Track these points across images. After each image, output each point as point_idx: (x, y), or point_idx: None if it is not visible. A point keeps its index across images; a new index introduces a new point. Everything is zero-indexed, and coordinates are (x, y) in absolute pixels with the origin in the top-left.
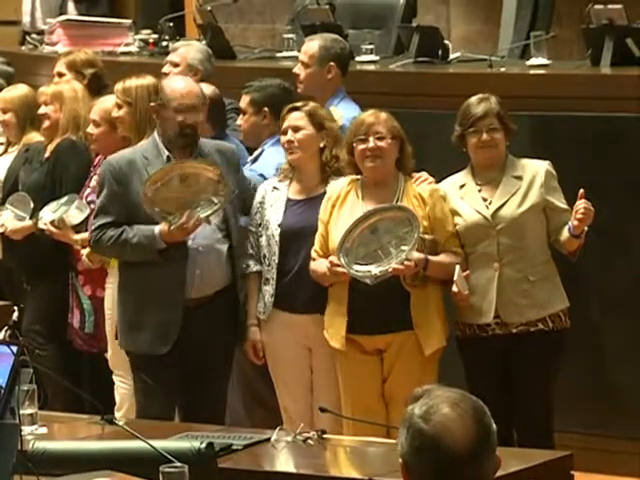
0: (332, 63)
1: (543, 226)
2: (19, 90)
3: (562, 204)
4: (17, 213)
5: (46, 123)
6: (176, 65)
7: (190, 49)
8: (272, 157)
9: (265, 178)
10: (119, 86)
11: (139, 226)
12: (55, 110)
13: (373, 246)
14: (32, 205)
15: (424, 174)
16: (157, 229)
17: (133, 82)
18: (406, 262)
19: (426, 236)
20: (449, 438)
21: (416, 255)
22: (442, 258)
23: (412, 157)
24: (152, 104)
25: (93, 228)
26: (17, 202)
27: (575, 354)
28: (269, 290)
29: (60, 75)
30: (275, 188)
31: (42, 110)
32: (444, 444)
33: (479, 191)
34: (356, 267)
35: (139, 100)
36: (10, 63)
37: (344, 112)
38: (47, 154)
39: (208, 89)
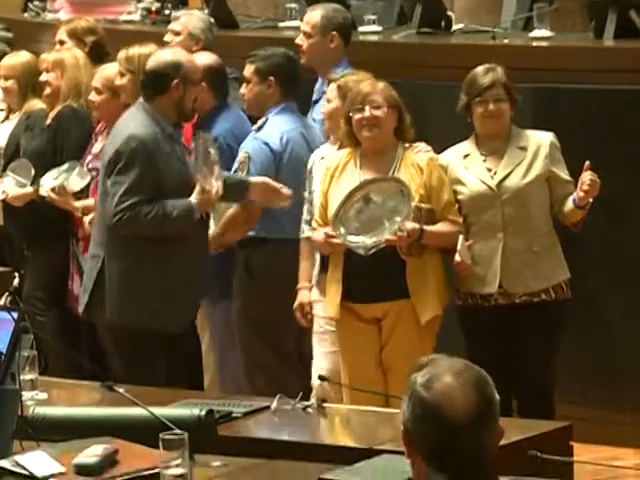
0: (334, 32)
1: (547, 197)
2: (21, 57)
3: (566, 175)
4: (18, 180)
5: (47, 90)
6: (178, 34)
7: (192, 18)
8: (277, 125)
9: (269, 146)
10: (122, 54)
11: (172, 200)
12: (56, 77)
13: (367, 216)
14: (33, 172)
15: (422, 144)
16: (193, 200)
17: (136, 50)
18: (399, 233)
19: (422, 205)
20: (450, 406)
21: (410, 225)
22: (439, 227)
23: (411, 126)
24: (175, 81)
25: (124, 207)
26: (18, 169)
27: (576, 325)
28: (317, 257)
29: (61, 43)
30: (323, 158)
31: (43, 77)
32: (445, 412)
33: (484, 161)
34: (350, 237)
35: (142, 68)
36: (9, 29)
37: None
38: (48, 121)
39: (210, 58)
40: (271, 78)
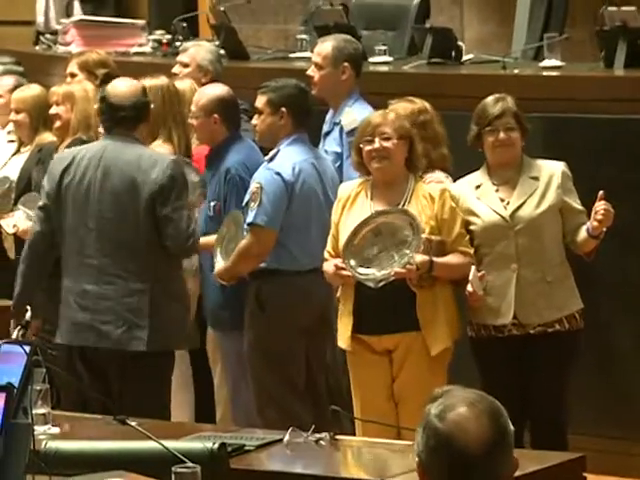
0: (346, 64)
1: (559, 227)
2: (32, 90)
3: (578, 205)
4: (29, 213)
5: (57, 123)
6: (186, 65)
7: (200, 49)
8: (289, 156)
9: (282, 177)
10: None
11: None
12: (66, 110)
13: (376, 249)
14: None
15: (437, 174)
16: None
17: (147, 82)
18: (408, 266)
19: (432, 237)
20: (463, 437)
21: (419, 258)
22: (449, 259)
23: (423, 157)
24: (216, 115)
25: (194, 228)
26: (29, 202)
27: (589, 355)
28: None
29: (72, 75)
30: None
31: (53, 110)
32: (458, 443)
33: (496, 191)
34: (360, 269)
35: (153, 100)
36: (20, 62)
37: (358, 113)
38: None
39: (222, 89)
40: (283, 109)
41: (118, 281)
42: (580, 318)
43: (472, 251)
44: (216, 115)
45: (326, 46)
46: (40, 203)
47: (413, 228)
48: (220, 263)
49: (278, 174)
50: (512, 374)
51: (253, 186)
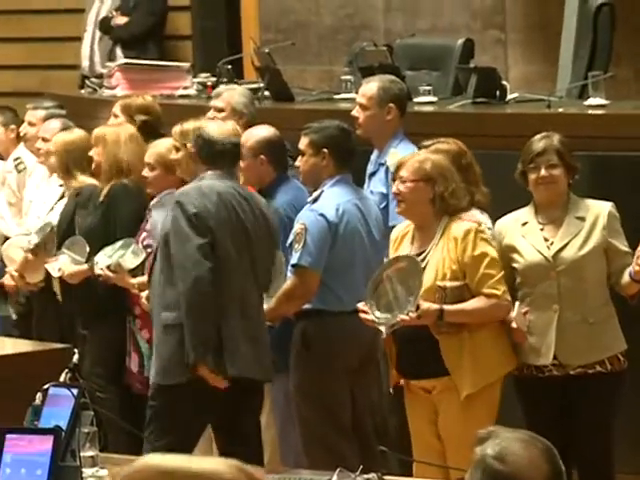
0: (391, 104)
1: (604, 268)
2: (64, 134)
3: (624, 247)
4: (73, 257)
5: (93, 165)
6: (221, 110)
7: (234, 93)
8: (332, 197)
9: (325, 218)
10: (177, 129)
11: None
12: (98, 153)
13: (390, 295)
14: (88, 248)
15: (472, 212)
16: None
17: (190, 125)
18: (410, 313)
19: (447, 284)
20: (526, 478)
21: (426, 305)
22: (465, 305)
23: (462, 197)
24: (262, 157)
25: None
26: (73, 246)
27: (636, 395)
28: None
29: (115, 116)
30: None
31: (91, 152)
32: None
33: (541, 230)
34: (377, 313)
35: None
36: (63, 106)
37: (404, 154)
38: (101, 198)
39: (269, 131)
40: (325, 150)
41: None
42: (624, 359)
43: (501, 291)
44: (263, 156)
45: (371, 87)
46: (200, 242)
47: (417, 274)
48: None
49: (322, 215)
50: (554, 415)
51: (297, 227)
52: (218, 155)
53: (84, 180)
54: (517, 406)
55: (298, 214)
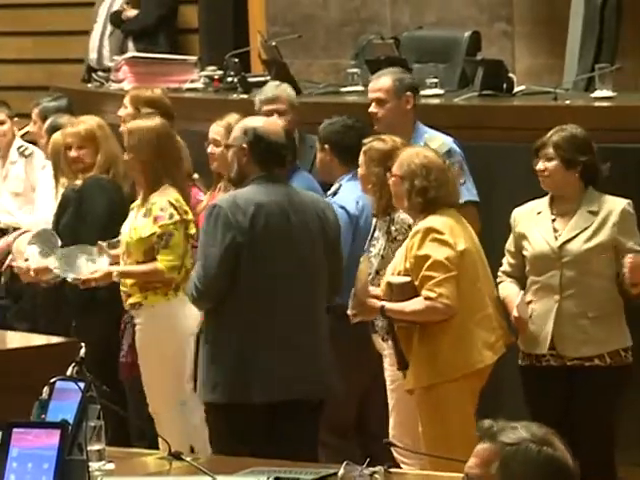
0: (408, 93)
1: (611, 264)
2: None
3: (635, 245)
4: (43, 249)
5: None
6: (283, 112)
7: (286, 88)
8: (351, 190)
9: (346, 210)
10: (221, 124)
11: None
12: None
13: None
14: (59, 241)
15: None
16: None
17: (232, 119)
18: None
19: (393, 280)
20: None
21: (372, 301)
22: (404, 305)
23: (420, 194)
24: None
25: None
26: (41, 237)
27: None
28: None
29: (124, 107)
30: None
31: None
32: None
33: (553, 221)
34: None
35: None
36: (62, 96)
37: (440, 136)
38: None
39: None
40: (326, 146)
41: None
42: (627, 354)
43: (437, 293)
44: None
45: (385, 80)
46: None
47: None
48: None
49: (343, 208)
50: (555, 403)
51: None
52: (272, 156)
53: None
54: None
55: None
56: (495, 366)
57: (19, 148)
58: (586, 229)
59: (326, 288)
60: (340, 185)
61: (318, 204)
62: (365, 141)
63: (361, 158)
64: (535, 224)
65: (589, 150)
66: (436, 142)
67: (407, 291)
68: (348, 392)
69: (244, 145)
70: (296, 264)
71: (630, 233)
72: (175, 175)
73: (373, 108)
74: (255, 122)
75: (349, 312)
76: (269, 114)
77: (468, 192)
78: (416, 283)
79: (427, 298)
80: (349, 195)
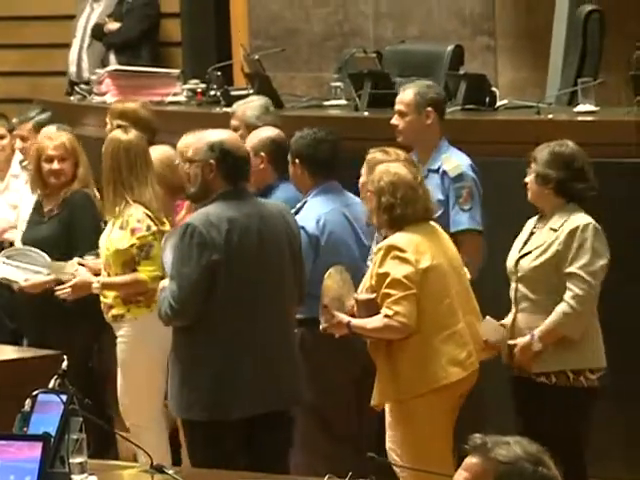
0: (429, 108)
1: (559, 283)
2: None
3: (576, 269)
4: (27, 267)
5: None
6: (236, 129)
7: (245, 108)
8: (314, 208)
9: (305, 230)
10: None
11: None
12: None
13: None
14: (48, 258)
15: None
16: None
17: (193, 138)
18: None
19: (358, 297)
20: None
21: (340, 316)
22: (366, 321)
23: (385, 212)
24: (263, 154)
25: None
26: (19, 256)
27: (614, 402)
28: None
29: (105, 123)
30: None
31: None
32: None
33: (531, 234)
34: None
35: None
36: (46, 109)
37: (458, 158)
38: (56, 207)
39: (273, 132)
40: (296, 160)
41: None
42: (579, 376)
43: (394, 312)
44: (263, 154)
45: (408, 93)
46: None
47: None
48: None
49: (302, 228)
50: (518, 414)
51: None
52: (239, 170)
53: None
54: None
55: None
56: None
57: (22, 161)
58: (540, 246)
59: (295, 297)
60: (305, 202)
61: (282, 212)
62: (370, 150)
63: (364, 167)
64: (520, 236)
65: (566, 167)
66: (450, 164)
67: (371, 307)
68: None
69: (211, 161)
70: (270, 275)
71: (577, 256)
72: (142, 192)
73: (394, 120)
74: (218, 136)
75: (320, 327)
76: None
77: (471, 220)
78: (379, 300)
79: (385, 316)
80: (310, 214)
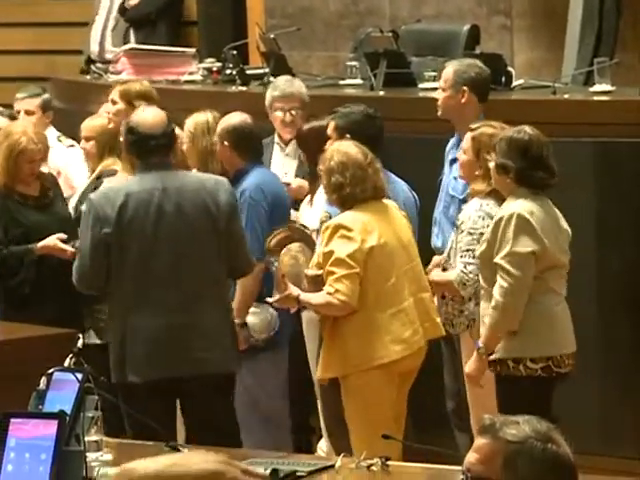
0: (465, 87)
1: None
2: (100, 119)
3: (496, 258)
4: None
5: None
6: (299, 109)
7: (296, 84)
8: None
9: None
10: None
11: None
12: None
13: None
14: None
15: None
16: None
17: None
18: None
19: (307, 272)
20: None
21: (292, 288)
22: (311, 297)
23: (335, 190)
24: (226, 143)
25: None
26: None
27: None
28: None
29: (114, 102)
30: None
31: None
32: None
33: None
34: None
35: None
36: (45, 89)
37: None
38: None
39: (237, 119)
40: (348, 136)
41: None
42: (518, 365)
43: (334, 289)
44: (226, 143)
45: (448, 69)
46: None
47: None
48: None
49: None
50: None
51: (322, 215)
52: (142, 146)
53: (111, 163)
54: None
55: (268, 196)
56: None
57: (58, 137)
58: (484, 235)
59: (219, 267)
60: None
61: (206, 186)
62: (472, 126)
63: (468, 144)
64: None
65: (523, 155)
66: None
67: (319, 283)
68: None
69: (121, 139)
70: (172, 247)
71: (501, 246)
72: None
73: (437, 93)
74: (135, 116)
75: (271, 300)
76: (281, 110)
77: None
78: (324, 277)
79: (328, 293)
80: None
